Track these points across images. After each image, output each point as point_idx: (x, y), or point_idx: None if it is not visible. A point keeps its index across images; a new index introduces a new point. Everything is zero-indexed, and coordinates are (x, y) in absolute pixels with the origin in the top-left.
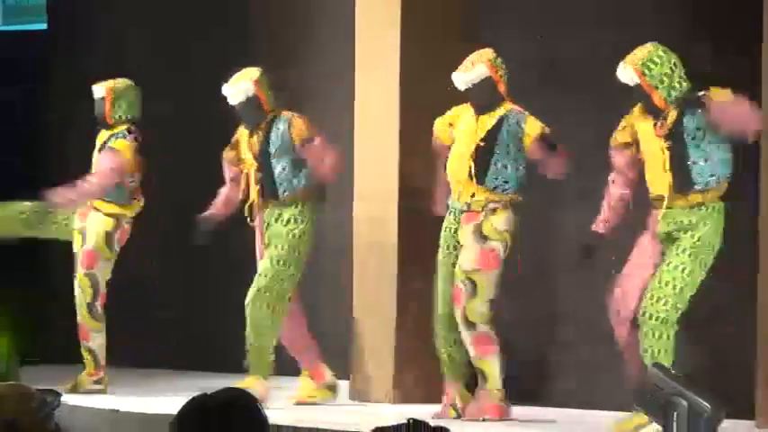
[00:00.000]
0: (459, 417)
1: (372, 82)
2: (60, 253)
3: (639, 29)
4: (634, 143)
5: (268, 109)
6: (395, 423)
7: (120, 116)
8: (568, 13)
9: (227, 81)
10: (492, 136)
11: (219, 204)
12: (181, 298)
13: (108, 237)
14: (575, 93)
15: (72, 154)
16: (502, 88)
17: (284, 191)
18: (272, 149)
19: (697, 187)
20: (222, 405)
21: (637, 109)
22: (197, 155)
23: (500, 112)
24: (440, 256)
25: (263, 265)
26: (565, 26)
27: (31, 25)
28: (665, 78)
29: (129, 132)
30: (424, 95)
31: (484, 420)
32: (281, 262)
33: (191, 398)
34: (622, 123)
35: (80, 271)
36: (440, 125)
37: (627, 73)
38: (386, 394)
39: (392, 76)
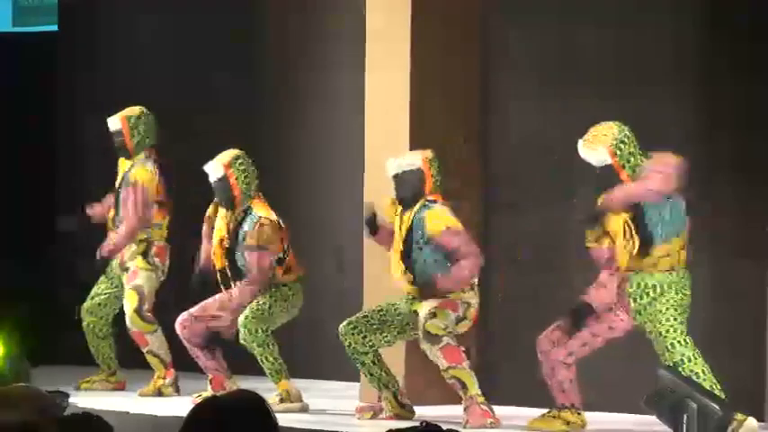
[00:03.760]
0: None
1: (382, 80)
2: (70, 251)
3: (658, 14)
4: (606, 233)
5: (238, 194)
6: (407, 425)
7: (138, 143)
8: (586, 9)
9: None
10: (408, 235)
11: (205, 260)
12: (188, 303)
13: (144, 255)
14: (589, 88)
15: (83, 155)
16: (428, 187)
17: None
18: (240, 240)
19: (655, 246)
20: (232, 407)
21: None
22: (203, 158)
23: (415, 208)
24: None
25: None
26: (581, 22)
27: (43, 26)
28: (631, 158)
29: (147, 158)
30: (434, 91)
31: (465, 427)
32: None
33: (201, 400)
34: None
35: (126, 287)
36: (388, 207)
37: (598, 154)
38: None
39: (403, 73)
